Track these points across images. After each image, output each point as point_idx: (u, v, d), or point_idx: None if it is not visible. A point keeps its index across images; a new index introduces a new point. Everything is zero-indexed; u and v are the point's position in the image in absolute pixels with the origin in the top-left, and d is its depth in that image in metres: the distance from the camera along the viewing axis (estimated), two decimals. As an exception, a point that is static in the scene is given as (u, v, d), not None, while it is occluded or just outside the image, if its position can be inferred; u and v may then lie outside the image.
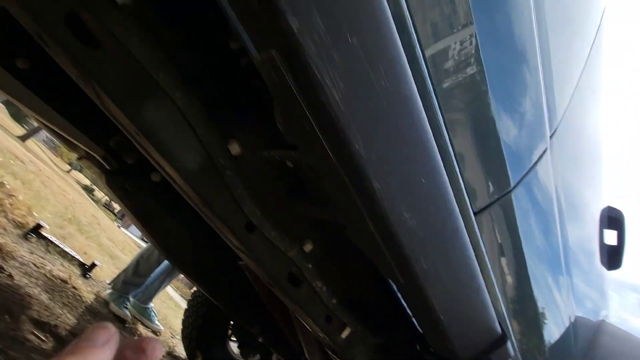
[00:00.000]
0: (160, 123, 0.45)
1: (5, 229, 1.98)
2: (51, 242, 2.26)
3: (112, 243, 4.86)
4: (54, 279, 1.90)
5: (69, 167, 18.14)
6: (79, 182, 15.94)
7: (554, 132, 0.67)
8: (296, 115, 0.37)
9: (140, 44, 0.43)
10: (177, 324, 2.75)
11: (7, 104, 17.60)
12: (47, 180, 4.91)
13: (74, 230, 3.33)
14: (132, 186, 0.73)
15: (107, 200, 19.42)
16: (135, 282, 2.24)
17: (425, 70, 0.43)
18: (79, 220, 4.03)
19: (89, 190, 16.83)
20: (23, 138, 13.15)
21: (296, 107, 0.35)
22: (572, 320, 0.87)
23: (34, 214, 2.52)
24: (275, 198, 0.54)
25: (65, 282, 1.96)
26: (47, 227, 2.33)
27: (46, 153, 15.51)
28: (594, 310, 1.09)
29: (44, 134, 16.44)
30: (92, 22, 0.39)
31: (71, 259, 2.34)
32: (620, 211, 1.16)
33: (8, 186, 2.64)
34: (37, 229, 2.19)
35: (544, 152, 0.64)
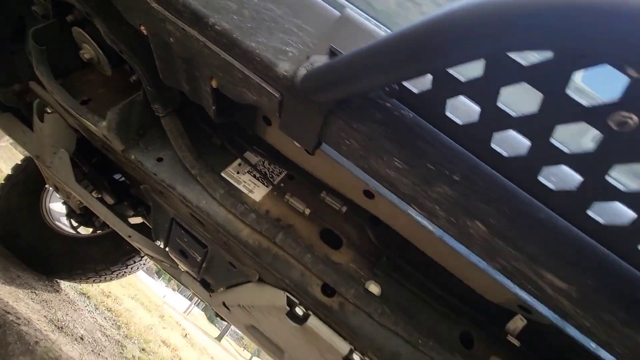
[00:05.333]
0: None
1: None
2: None
3: None
4: None
5: (249, 355, 20.13)
6: (259, 367, 17.19)
7: None
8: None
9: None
10: None
11: (205, 310, 20.92)
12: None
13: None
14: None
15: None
16: None
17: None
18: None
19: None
20: (219, 338, 15.78)
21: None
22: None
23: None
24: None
25: None
26: None
27: (233, 345, 17.86)
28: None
29: (232, 329, 19.26)
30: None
31: None
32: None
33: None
34: None
35: None
